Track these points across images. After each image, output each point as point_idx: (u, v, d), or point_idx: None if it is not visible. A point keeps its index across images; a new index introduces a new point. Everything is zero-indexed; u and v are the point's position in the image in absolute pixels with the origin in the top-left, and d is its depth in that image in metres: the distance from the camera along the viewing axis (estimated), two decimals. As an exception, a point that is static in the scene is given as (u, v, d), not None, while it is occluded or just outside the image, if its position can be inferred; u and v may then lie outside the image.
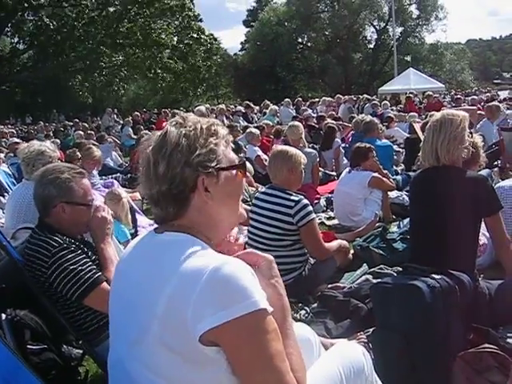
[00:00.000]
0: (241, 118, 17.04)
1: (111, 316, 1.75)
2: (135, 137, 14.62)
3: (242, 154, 8.98)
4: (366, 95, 21.86)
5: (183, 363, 1.48)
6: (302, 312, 3.89)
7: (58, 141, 14.15)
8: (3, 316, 3.03)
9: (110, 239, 3.11)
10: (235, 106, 21.43)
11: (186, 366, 1.48)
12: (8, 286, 3.01)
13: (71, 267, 2.76)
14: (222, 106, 20.46)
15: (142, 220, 6.27)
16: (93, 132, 15.54)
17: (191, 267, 1.47)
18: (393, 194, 6.82)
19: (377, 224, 6.05)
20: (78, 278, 2.75)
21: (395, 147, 9.58)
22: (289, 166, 4.18)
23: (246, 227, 4.72)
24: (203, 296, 1.42)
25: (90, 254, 2.95)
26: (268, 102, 19.96)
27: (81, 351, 3.38)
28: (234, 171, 1.68)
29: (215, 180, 1.62)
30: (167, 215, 1.63)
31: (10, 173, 8.23)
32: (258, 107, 20.70)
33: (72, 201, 2.93)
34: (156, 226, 1.72)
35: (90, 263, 2.83)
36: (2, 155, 11.41)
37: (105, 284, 2.78)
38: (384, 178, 6.41)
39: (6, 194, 7.01)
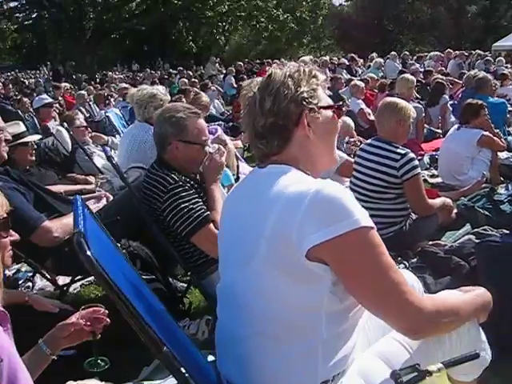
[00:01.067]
0: (344, 71, 16.69)
1: (221, 247, 1.86)
2: (236, 86, 14.77)
3: (344, 108, 8.85)
4: (478, 51, 20.59)
5: (288, 280, 1.56)
6: (401, 266, 3.87)
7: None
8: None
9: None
10: (339, 59, 20.96)
11: (290, 283, 1.56)
12: (123, 217, 3.23)
13: (183, 205, 2.91)
14: (326, 58, 20.13)
15: (244, 167, 6.38)
16: (196, 80, 15.84)
17: (294, 191, 1.56)
18: (503, 154, 6.52)
19: (483, 185, 5.82)
20: (188, 216, 2.90)
21: (508, 106, 9.04)
22: (397, 118, 4.09)
23: (347, 179, 4.71)
24: (307, 215, 1.50)
25: (202, 194, 3.08)
26: (374, 55, 19.37)
27: (185, 285, 3.59)
28: (332, 112, 1.79)
29: (317, 116, 1.73)
30: (271, 149, 1.73)
31: (121, 115, 8.62)
32: (362, 60, 20.14)
33: (186, 139, 3.05)
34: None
35: (201, 203, 2.96)
36: (112, 99, 11.96)
37: (211, 225, 2.91)
38: (495, 138, 6.11)
39: (118, 135, 7.37)
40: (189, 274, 3.06)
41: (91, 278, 3.96)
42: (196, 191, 3.02)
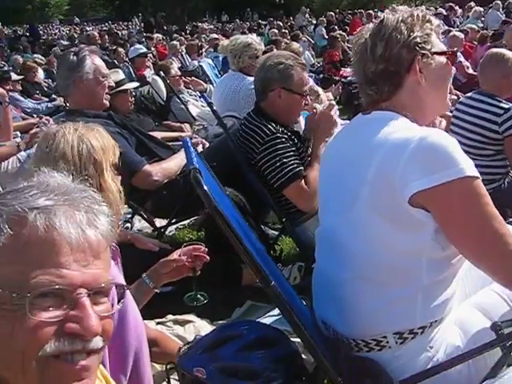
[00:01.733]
0: (441, 22, 15.85)
1: (322, 193, 1.89)
2: (327, 37, 14.43)
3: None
4: None
5: (391, 226, 1.57)
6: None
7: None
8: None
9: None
10: (436, 9, 19.93)
11: (393, 229, 1.57)
12: (219, 164, 3.31)
13: (277, 158, 2.95)
14: (422, 8, 19.16)
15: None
16: (286, 31, 15.62)
17: (400, 137, 1.56)
18: None
19: None
20: (280, 169, 2.94)
21: None
22: (504, 71, 3.87)
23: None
24: (411, 161, 1.50)
25: (298, 145, 3.09)
26: (472, 4, 18.26)
27: (276, 232, 3.67)
28: (446, 58, 1.74)
29: (429, 62, 1.69)
30: (380, 95, 1.72)
31: (214, 65, 8.71)
32: (460, 10, 19.06)
33: (289, 88, 3.06)
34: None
35: (295, 157, 2.98)
36: (203, 50, 12.07)
37: (302, 181, 2.93)
38: None
39: (210, 85, 7.47)
40: (282, 221, 3.11)
41: (186, 222, 4.12)
42: (293, 143, 3.04)
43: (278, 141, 2.96)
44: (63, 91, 3.48)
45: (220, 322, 2.76)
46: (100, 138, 1.80)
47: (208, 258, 2.16)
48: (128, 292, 1.68)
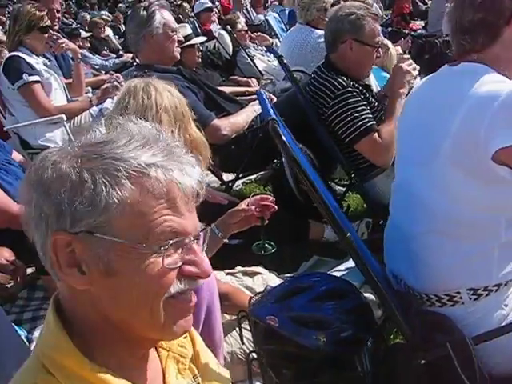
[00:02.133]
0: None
1: (400, 144, 1.86)
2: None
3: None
4: None
5: (473, 181, 1.54)
6: None
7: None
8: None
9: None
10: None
11: (475, 184, 1.54)
12: (287, 118, 3.29)
13: (348, 112, 2.89)
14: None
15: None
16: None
17: (487, 90, 1.51)
18: None
19: None
20: (352, 124, 2.89)
21: None
22: None
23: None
24: (498, 116, 1.46)
25: (370, 99, 3.03)
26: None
27: (343, 188, 3.65)
28: None
29: None
30: (473, 46, 1.65)
31: (280, 19, 8.58)
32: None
33: (361, 39, 2.99)
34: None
35: (367, 111, 2.92)
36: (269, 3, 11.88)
37: (375, 135, 2.88)
38: None
39: (277, 39, 7.38)
40: (351, 176, 3.08)
41: (253, 177, 4.15)
42: (364, 97, 2.98)
43: (349, 95, 2.91)
44: (133, 47, 3.52)
45: (287, 275, 2.80)
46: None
47: (276, 207, 2.17)
48: None
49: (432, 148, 1.61)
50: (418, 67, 3.11)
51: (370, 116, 2.92)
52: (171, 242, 0.86)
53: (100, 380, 0.86)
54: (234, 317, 2.05)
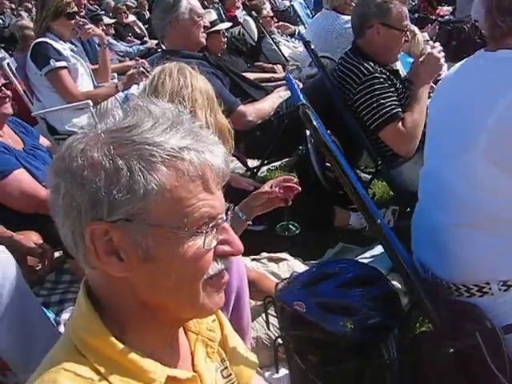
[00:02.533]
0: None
1: (432, 130, 1.82)
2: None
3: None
4: None
5: (506, 176, 1.50)
6: None
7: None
8: (308, 132, 3.35)
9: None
10: None
11: (505, 178, 1.50)
12: (313, 104, 3.27)
13: (374, 99, 2.85)
14: None
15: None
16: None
17: None
18: None
19: None
20: (377, 110, 2.85)
21: None
22: None
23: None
24: None
25: (397, 85, 2.98)
26: None
27: (368, 176, 3.62)
28: None
29: None
30: (506, 32, 1.56)
31: (306, 5, 8.50)
32: None
33: (388, 23, 2.94)
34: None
35: (394, 98, 2.88)
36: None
37: (399, 123, 2.84)
38: None
39: (302, 25, 7.32)
40: (377, 163, 3.05)
41: (277, 163, 4.14)
42: (392, 83, 2.93)
43: (376, 81, 2.87)
44: (159, 32, 3.52)
45: (312, 261, 2.79)
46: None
47: (300, 188, 2.13)
48: None
49: (465, 140, 1.57)
50: (421, 37, 3.06)
51: (396, 103, 2.88)
52: (210, 224, 0.86)
53: (131, 362, 0.87)
54: (259, 302, 2.06)
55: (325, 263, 1.77)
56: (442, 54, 2.99)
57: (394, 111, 2.85)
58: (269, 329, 1.95)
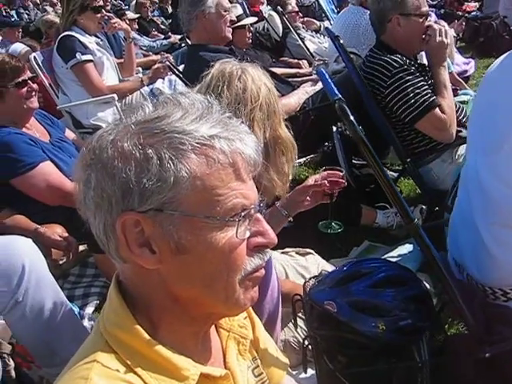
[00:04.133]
0: None
1: (470, 128, 1.78)
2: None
3: None
4: None
5: None
6: None
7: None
8: (334, 128, 3.32)
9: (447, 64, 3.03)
10: None
11: None
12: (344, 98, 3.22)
13: (408, 90, 2.80)
14: None
15: (458, 57, 6.00)
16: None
17: None
18: None
19: None
20: (414, 101, 2.79)
21: None
22: None
23: None
24: None
25: (426, 77, 2.93)
26: None
27: (395, 174, 3.56)
28: None
29: None
30: None
31: (330, 0, 8.44)
32: None
33: (406, 12, 2.90)
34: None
35: (427, 87, 2.82)
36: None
37: (437, 110, 2.78)
38: None
39: (327, 20, 7.27)
40: (405, 161, 2.99)
41: (302, 160, 4.10)
42: (421, 74, 2.88)
43: (407, 72, 2.82)
44: (186, 26, 3.49)
45: (338, 259, 2.76)
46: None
47: (345, 182, 2.06)
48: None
49: (498, 138, 1.53)
50: (450, 33, 3.02)
51: (430, 91, 2.83)
52: (242, 214, 0.84)
53: (163, 358, 0.85)
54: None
55: (357, 262, 1.72)
56: (447, 42, 2.92)
57: (431, 99, 2.80)
58: (297, 328, 1.92)
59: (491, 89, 1.71)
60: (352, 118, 1.38)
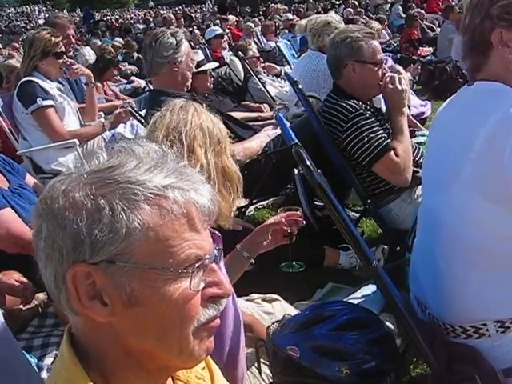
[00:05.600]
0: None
1: (425, 170, 1.82)
2: (404, 16, 13.98)
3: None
4: None
5: (494, 208, 1.49)
6: None
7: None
8: (295, 171, 3.36)
9: (406, 109, 3.12)
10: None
11: (498, 211, 1.49)
12: (302, 144, 3.28)
13: (364, 134, 2.88)
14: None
15: (414, 99, 6.18)
16: (362, 10, 15.28)
17: (507, 109, 1.45)
18: None
19: None
20: (368, 145, 2.87)
21: None
22: None
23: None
24: None
25: (382, 121, 3.01)
26: None
27: (356, 214, 3.61)
28: None
29: None
30: (473, 67, 1.63)
31: (291, 45, 8.66)
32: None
33: (362, 59, 3.00)
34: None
35: (381, 131, 2.91)
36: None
37: (391, 153, 2.85)
38: None
39: (288, 65, 7.43)
40: (366, 202, 3.04)
41: (265, 203, 4.13)
42: (377, 119, 2.96)
43: (362, 117, 2.91)
44: (154, 69, 3.40)
45: (302, 302, 2.75)
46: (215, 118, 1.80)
47: (304, 222, 2.08)
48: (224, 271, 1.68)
49: (451, 173, 1.58)
50: (406, 77, 3.12)
51: (385, 136, 2.92)
52: (196, 265, 0.83)
53: None
54: (250, 349, 1.98)
55: (319, 306, 1.73)
56: (404, 88, 3.03)
57: (385, 143, 2.88)
58: (261, 374, 1.89)
59: (441, 129, 1.77)
60: (308, 162, 1.40)
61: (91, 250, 0.79)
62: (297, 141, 1.53)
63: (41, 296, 2.65)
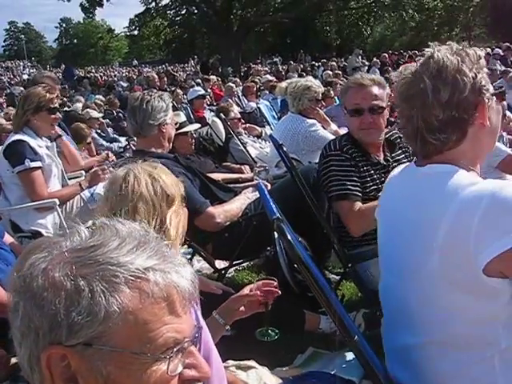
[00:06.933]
0: (498, 62, 15.65)
1: (382, 249, 1.79)
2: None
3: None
4: None
5: (464, 296, 1.47)
6: None
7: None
8: (276, 234, 3.36)
9: None
10: (492, 49, 19.70)
11: (466, 299, 1.47)
12: (282, 205, 3.30)
13: (334, 172, 2.96)
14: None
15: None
16: (340, 72, 15.61)
17: (467, 194, 1.42)
18: None
19: None
20: (337, 184, 2.93)
21: None
22: None
23: (510, 176, 4.41)
24: (485, 221, 1.36)
25: (375, 176, 3.04)
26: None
27: (337, 277, 3.61)
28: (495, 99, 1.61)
29: (489, 104, 1.55)
30: (445, 144, 1.55)
31: (271, 107, 8.84)
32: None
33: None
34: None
35: (355, 179, 2.95)
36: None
37: (354, 204, 2.87)
38: None
39: (268, 126, 7.57)
40: (345, 265, 3.05)
41: (245, 264, 4.11)
42: (368, 173, 3.04)
43: (339, 158, 2.99)
44: (144, 131, 3.43)
45: (282, 368, 2.70)
46: (168, 173, 1.82)
47: (280, 292, 2.11)
48: (209, 334, 1.68)
49: (417, 260, 1.54)
50: None
51: (357, 188, 2.93)
52: (175, 349, 0.83)
53: None
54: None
55: (297, 379, 1.69)
56: None
57: (352, 192, 2.90)
58: None
59: (391, 209, 1.73)
60: (290, 237, 1.42)
61: (68, 332, 0.79)
62: (278, 214, 1.55)
63: (14, 359, 2.58)
